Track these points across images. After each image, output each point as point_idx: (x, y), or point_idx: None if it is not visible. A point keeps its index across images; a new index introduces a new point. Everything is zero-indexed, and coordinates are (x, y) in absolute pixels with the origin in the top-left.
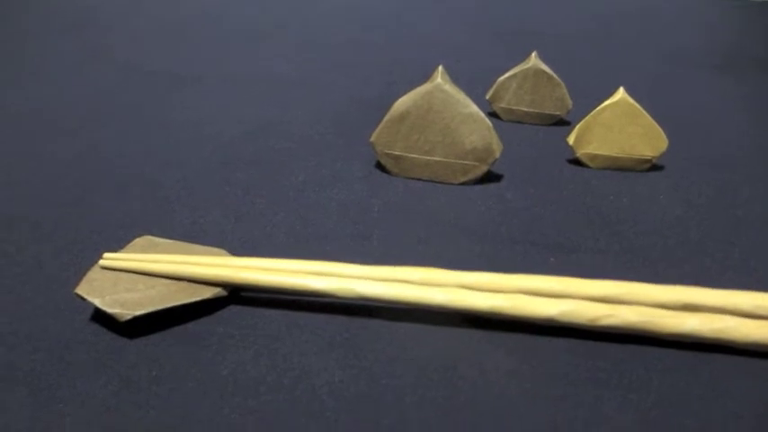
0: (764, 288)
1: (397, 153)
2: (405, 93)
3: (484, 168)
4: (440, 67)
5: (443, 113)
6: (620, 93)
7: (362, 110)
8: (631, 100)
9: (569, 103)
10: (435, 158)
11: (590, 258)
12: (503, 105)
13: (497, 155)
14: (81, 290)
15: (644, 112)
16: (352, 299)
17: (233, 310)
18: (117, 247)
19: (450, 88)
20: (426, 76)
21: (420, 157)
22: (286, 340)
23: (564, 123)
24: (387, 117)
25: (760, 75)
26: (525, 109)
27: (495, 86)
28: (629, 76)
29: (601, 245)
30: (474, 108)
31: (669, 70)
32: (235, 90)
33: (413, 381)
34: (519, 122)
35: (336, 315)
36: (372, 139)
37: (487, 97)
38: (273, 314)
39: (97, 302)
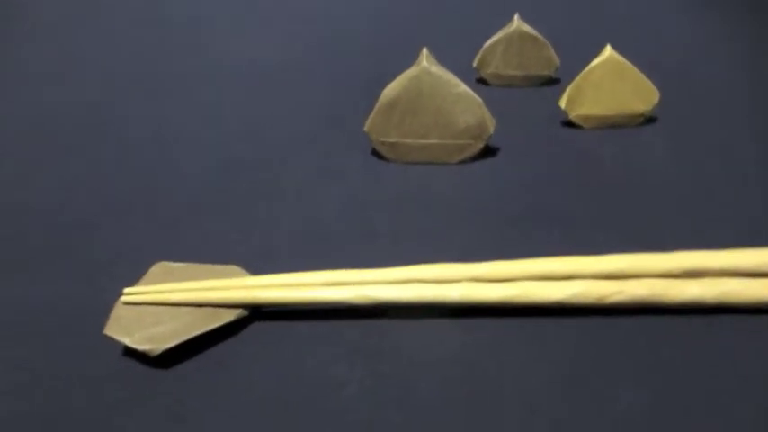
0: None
1: (392, 140)
2: (391, 75)
3: (480, 145)
4: (424, 50)
5: (433, 96)
6: (608, 51)
7: (351, 96)
8: (619, 57)
9: (556, 61)
10: (431, 141)
11: (591, 229)
12: (491, 71)
13: (491, 130)
14: (110, 330)
15: (632, 67)
16: (368, 305)
17: (256, 327)
18: (133, 274)
19: (436, 70)
20: (410, 53)
21: (415, 141)
22: (311, 353)
23: (554, 82)
24: (377, 105)
25: (744, 10)
26: (513, 72)
27: (481, 53)
28: (611, 22)
29: (601, 213)
30: (463, 87)
31: (652, 12)
32: (222, 87)
33: (438, 381)
34: (508, 86)
35: (356, 320)
36: (366, 128)
37: (475, 64)
38: (296, 326)
39: (127, 341)
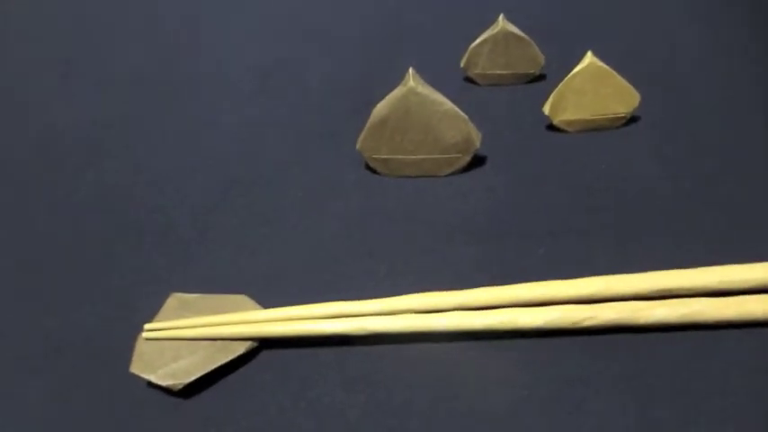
0: (746, 247)
1: (383, 156)
2: (381, 82)
3: (467, 159)
4: (410, 70)
5: (421, 114)
6: (589, 57)
7: (342, 104)
8: (599, 63)
9: (541, 59)
10: (420, 156)
11: (576, 242)
12: (478, 71)
13: (477, 144)
14: (135, 368)
15: (613, 72)
16: (364, 335)
17: (265, 356)
18: (148, 305)
19: (422, 90)
20: (397, 57)
21: (405, 157)
22: (316, 381)
23: (540, 79)
24: (368, 124)
25: (727, 14)
26: (500, 72)
27: (467, 53)
28: (595, 18)
29: (586, 224)
30: (449, 105)
31: (634, 8)
32: (211, 95)
33: (435, 405)
34: (496, 85)
35: (356, 347)
36: (358, 146)
37: (462, 65)
38: (301, 354)
39: (152, 378)
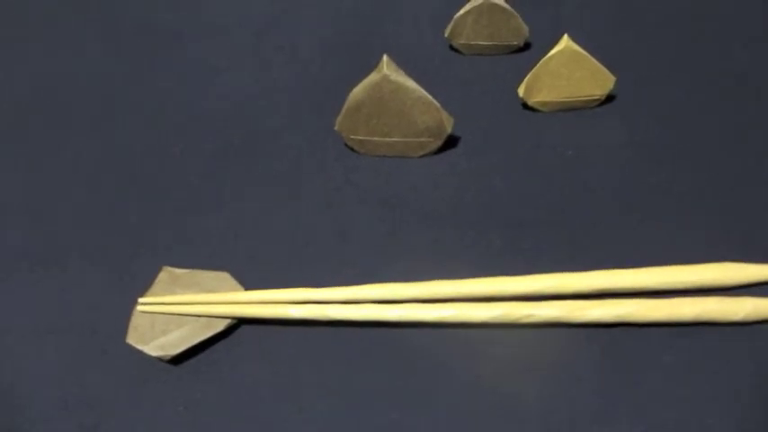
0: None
1: (360, 137)
2: (366, 52)
3: (438, 143)
4: (385, 57)
5: (394, 100)
6: (565, 41)
7: (331, 71)
8: (575, 46)
9: (525, 30)
10: (395, 139)
11: (538, 233)
12: (462, 41)
13: (449, 130)
14: (130, 339)
15: (588, 56)
16: (326, 321)
17: (243, 330)
18: (139, 279)
19: (396, 77)
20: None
21: (381, 139)
22: (286, 355)
23: (523, 49)
24: (345, 107)
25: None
26: (483, 42)
27: (452, 23)
28: None
29: (552, 214)
30: (421, 92)
31: None
32: (204, 53)
33: (396, 384)
34: (479, 55)
35: (323, 327)
36: (337, 127)
37: (446, 34)
38: (274, 331)
39: (145, 349)
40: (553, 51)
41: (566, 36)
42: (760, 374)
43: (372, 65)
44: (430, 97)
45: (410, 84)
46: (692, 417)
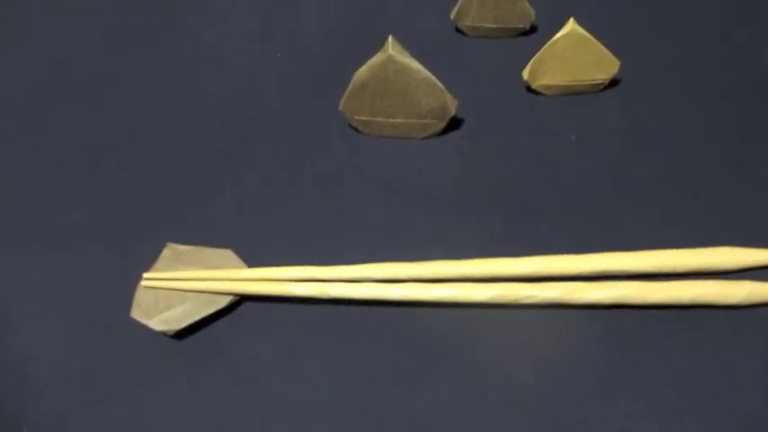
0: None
1: (364, 118)
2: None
3: (442, 125)
4: (390, 38)
5: (399, 81)
6: (570, 24)
7: (336, 50)
8: (580, 30)
9: (531, 14)
10: (398, 120)
11: (539, 217)
12: (468, 24)
13: (453, 112)
14: (134, 313)
15: (593, 39)
16: (327, 299)
17: (245, 307)
18: (143, 256)
19: (401, 58)
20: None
21: (384, 120)
22: (287, 331)
23: (529, 32)
24: (350, 88)
25: None
26: (489, 25)
27: (458, 5)
28: None
29: (553, 197)
30: (426, 74)
31: None
32: (209, 33)
33: (390, 363)
34: (484, 37)
35: (325, 305)
36: (341, 107)
37: (452, 16)
38: (275, 308)
39: (149, 324)
40: (558, 35)
41: (571, 20)
42: (756, 356)
43: (377, 46)
44: (434, 79)
45: (415, 65)
46: (689, 397)
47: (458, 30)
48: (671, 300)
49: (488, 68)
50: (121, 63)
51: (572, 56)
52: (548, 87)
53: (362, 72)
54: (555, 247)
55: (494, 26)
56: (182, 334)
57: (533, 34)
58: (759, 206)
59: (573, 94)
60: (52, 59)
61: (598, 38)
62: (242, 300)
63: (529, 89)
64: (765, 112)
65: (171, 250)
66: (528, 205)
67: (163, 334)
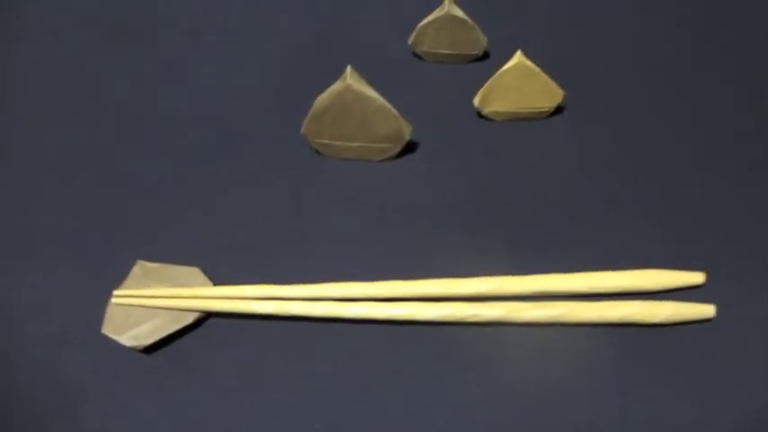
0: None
1: (325, 141)
2: (338, 53)
3: (397, 149)
4: (348, 68)
5: (356, 108)
6: (518, 56)
7: (301, 72)
8: (527, 62)
9: (484, 41)
10: (357, 144)
11: (487, 236)
12: (424, 49)
13: (408, 137)
14: (105, 329)
15: (539, 71)
16: (287, 316)
17: (211, 323)
18: (114, 272)
19: (359, 87)
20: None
21: (344, 143)
22: (249, 347)
23: (482, 59)
24: (311, 112)
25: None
26: (444, 51)
27: (415, 32)
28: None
29: (501, 217)
30: (381, 101)
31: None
32: (176, 48)
33: (340, 376)
34: (441, 62)
35: (287, 321)
36: (302, 131)
37: (410, 42)
38: (240, 324)
39: (120, 340)
40: (506, 66)
41: (519, 52)
42: (676, 371)
43: (341, 68)
44: (389, 106)
45: (371, 93)
46: (619, 409)
47: (415, 54)
48: (602, 318)
49: (443, 93)
50: (90, 81)
51: (519, 85)
52: (497, 113)
53: (323, 99)
54: (501, 266)
55: (449, 52)
56: (151, 349)
57: (487, 60)
58: (683, 231)
59: (521, 120)
60: (21, 77)
61: (545, 67)
62: (208, 316)
63: (480, 115)
64: (696, 142)
65: (141, 268)
66: (478, 226)
67: (133, 349)
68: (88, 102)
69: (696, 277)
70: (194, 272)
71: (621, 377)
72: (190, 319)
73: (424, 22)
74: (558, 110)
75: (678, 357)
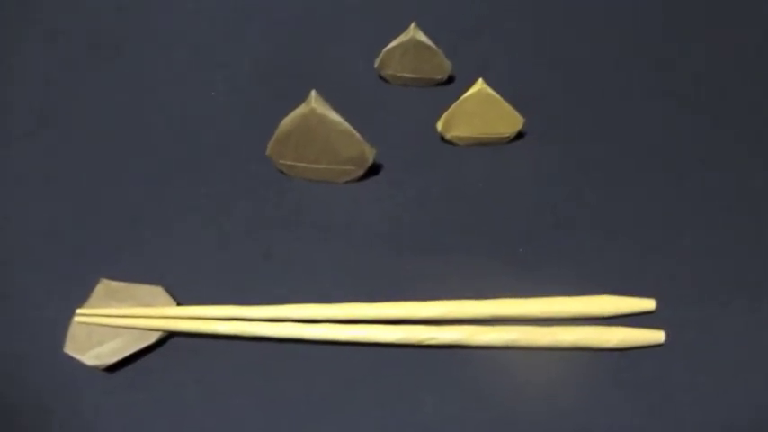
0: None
1: (289, 162)
2: (304, 74)
3: (361, 171)
4: (312, 92)
5: (320, 131)
6: (479, 84)
7: (268, 92)
8: (488, 90)
9: (447, 66)
10: (321, 166)
11: (447, 259)
12: (390, 72)
13: (371, 160)
14: (68, 348)
15: (500, 99)
16: (248, 337)
17: (173, 342)
18: (77, 288)
19: (322, 111)
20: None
21: (308, 165)
22: (211, 365)
23: (446, 83)
24: (276, 134)
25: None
26: (409, 75)
27: (381, 55)
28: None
29: (461, 240)
30: (345, 125)
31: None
32: (146, 66)
33: (318, 399)
34: (405, 86)
35: (248, 341)
36: (267, 152)
37: (376, 65)
38: (206, 344)
39: (83, 359)
40: (468, 93)
41: (480, 80)
42: (627, 397)
43: (307, 89)
44: (353, 130)
45: (335, 117)
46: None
47: (381, 77)
48: (556, 343)
49: (408, 116)
50: (56, 97)
51: (480, 112)
52: (460, 138)
53: (287, 121)
54: (459, 289)
55: (413, 76)
56: (113, 367)
57: (451, 84)
58: (634, 258)
59: (482, 145)
60: None
61: (507, 92)
62: (171, 335)
63: (443, 139)
64: (652, 169)
65: (104, 286)
66: (438, 247)
67: (95, 368)
68: (51, 121)
69: (647, 303)
70: (158, 291)
71: (577, 399)
72: (153, 338)
73: (390, 46)
74: (519, 136)
75: (627, 383)
